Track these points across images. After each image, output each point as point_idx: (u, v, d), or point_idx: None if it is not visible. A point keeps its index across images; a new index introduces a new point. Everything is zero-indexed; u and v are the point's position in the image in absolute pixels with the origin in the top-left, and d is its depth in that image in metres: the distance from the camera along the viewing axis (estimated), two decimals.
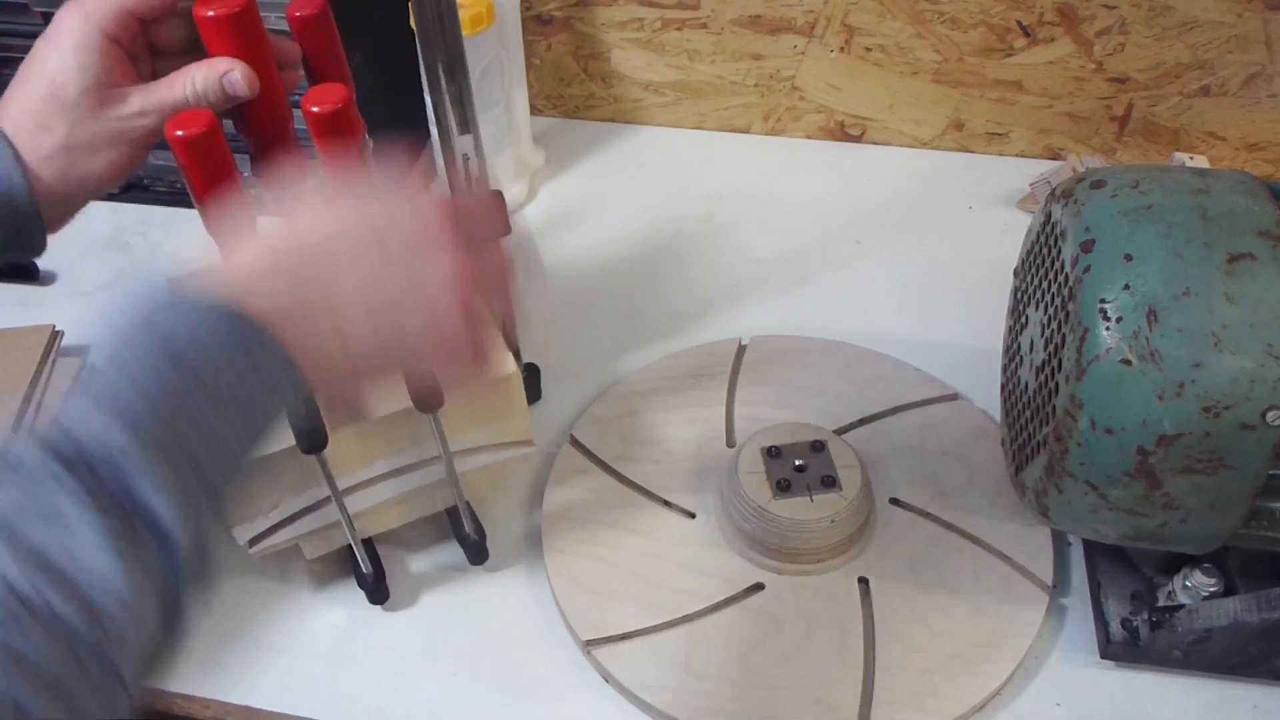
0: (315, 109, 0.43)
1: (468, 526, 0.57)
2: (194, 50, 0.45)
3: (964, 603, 0.55)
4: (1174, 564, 0.53)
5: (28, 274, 0.78)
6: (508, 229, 0.43)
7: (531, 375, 0.67)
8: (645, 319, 0.74)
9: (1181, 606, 0.52)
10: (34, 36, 0.45)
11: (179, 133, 0.41)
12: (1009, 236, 0.80)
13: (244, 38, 0.43)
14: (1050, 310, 0.50)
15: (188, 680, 0.54)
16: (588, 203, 0.85)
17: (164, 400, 0.33)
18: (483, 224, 0.42)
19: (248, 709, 0.53)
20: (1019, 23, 0.79)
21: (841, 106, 0.88)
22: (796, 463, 0.57)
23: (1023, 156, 0.87)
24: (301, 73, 0.47)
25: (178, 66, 0.44)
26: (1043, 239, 0.52)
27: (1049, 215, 0.52)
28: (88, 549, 0.30)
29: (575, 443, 0.64)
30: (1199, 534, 0.47)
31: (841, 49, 0.84)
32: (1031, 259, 0.54)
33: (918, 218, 0.82)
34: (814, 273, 0.77)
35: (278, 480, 0.50)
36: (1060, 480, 0.48)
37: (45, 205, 0.44)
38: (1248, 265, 0.44)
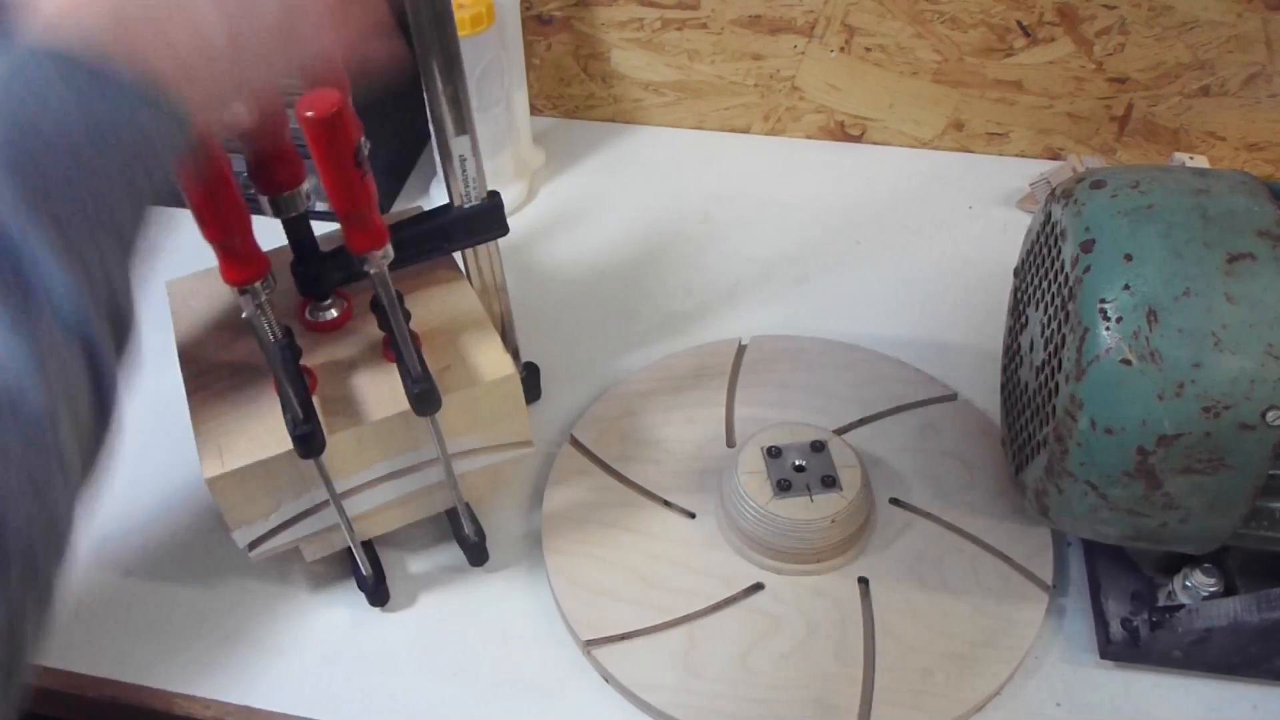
0: (310, 114, 0.41)
1: (467, 528, 0.57)
2: None
3: (964, 602, 0.55)
4: (1174, 564, 0.53)
5: None
6: None
7: (531, 374, 0.67)
8: (645, 319, 0.74)
9: (1181, 606, 0.52)
10: None
11: None
12: (1009, 236, 0.80)
13: None
14: (1050, 310, 0.50)
15: (188, 680, 0.54)
16: (588, 203, 0.85)
17: (19, 169, 0.30)
18: None
19: (248, 709, 0.53)
20: (1019, 23, 0.79)
21: (841, 106, 0.88)
22: (796, 463, 0.57)
23: (1023, 156, 0.87)
24: None
25: None
26: (1043, 239, 0.52)
27: (1049, 215, 0.52)
28: None
29: (575, 443, 0.64)
30: (1199, 534, 0.47)
31: (841, 49, 0.84)
32: (1031, 259, 0.54)
33: (918, 218, 0.82)
34: (814, 273, 0.77)
35: (276, 484, 0.50)
36: (1060, 480, 0.48)
37: None
38: (1248, 265, 0.44)
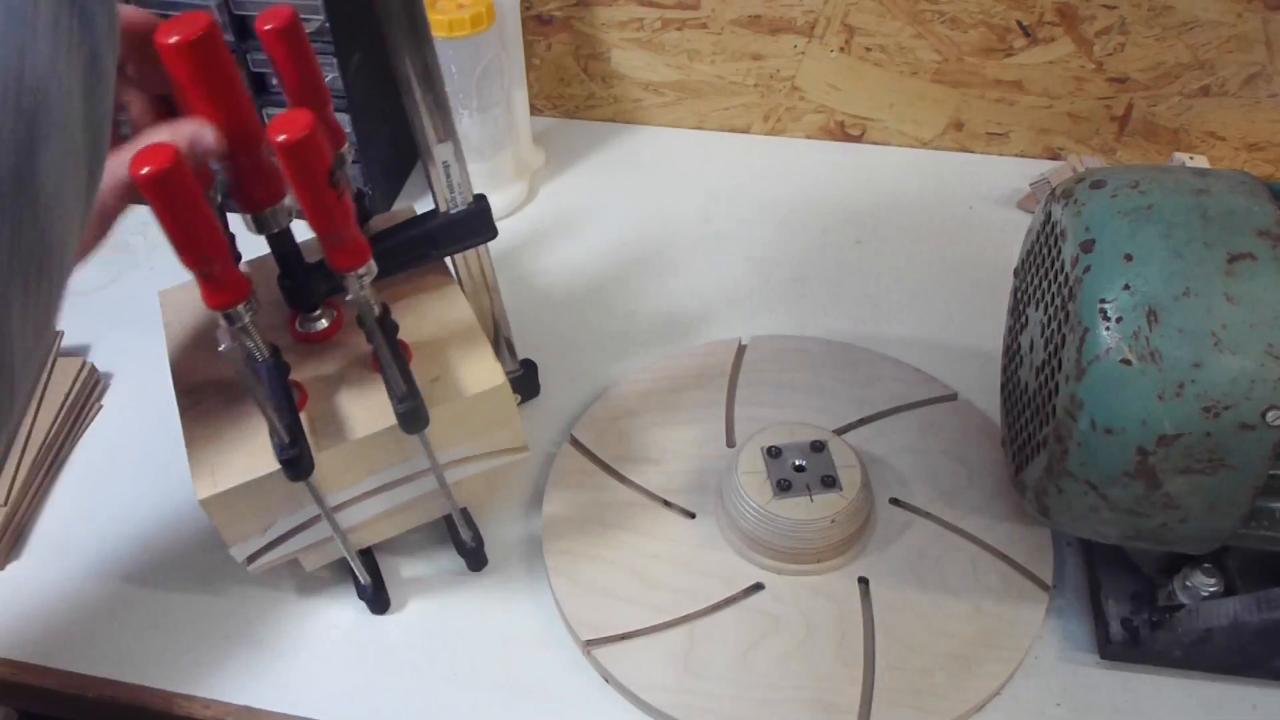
0: (281, 138, 0.40)
1: (464, 534, 0.57)
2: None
3: (964, 602, 0.55)
4: (1174, 564, 0.53)
5: None
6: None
7: (528, 371, 0.67)
8: (645, 319, 0.74)
9: (1181, 606, 0.52)
10: None
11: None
12: (1009, 236, 0.80)
13: (205, 64, 0.41)
14: (1050, 310, 0.50)
15: (188, 681, 0.54)
16: (588, 203, 0.85)
17: None
18: None
19: (248, 709, 0.53)
20: (1019, 23, 0.79)
21: (841, 106, 0.88)
22: (796, 463, 0.57)
23: (1023, 156, 0.87)
24: None
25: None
26: (1043, 239, 0.52)
27: (1049, 215, 0.52)
28: None
29: (575, 443, 0.64)
30: (1199, 534, 0.47)
31: (841, 49, 0.84)
32: (1031, 259, 0.54)
33: (918, 218, 0.82)
34: (814, 273, 0.77)
35: (269, 502, 0.50)
36: (1060, 480, 0.48)
37: None
38: (1248, 265, 0.44)
